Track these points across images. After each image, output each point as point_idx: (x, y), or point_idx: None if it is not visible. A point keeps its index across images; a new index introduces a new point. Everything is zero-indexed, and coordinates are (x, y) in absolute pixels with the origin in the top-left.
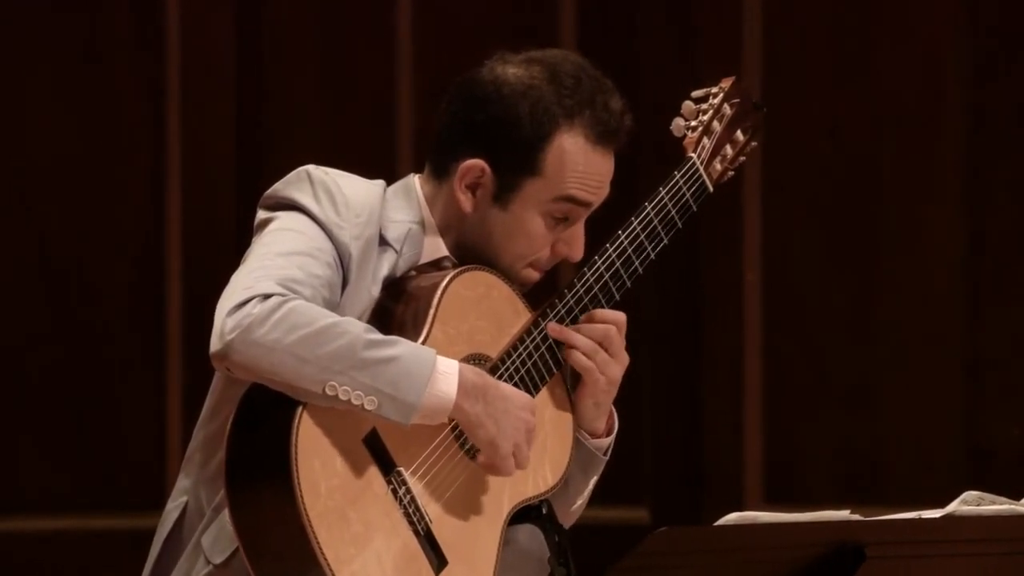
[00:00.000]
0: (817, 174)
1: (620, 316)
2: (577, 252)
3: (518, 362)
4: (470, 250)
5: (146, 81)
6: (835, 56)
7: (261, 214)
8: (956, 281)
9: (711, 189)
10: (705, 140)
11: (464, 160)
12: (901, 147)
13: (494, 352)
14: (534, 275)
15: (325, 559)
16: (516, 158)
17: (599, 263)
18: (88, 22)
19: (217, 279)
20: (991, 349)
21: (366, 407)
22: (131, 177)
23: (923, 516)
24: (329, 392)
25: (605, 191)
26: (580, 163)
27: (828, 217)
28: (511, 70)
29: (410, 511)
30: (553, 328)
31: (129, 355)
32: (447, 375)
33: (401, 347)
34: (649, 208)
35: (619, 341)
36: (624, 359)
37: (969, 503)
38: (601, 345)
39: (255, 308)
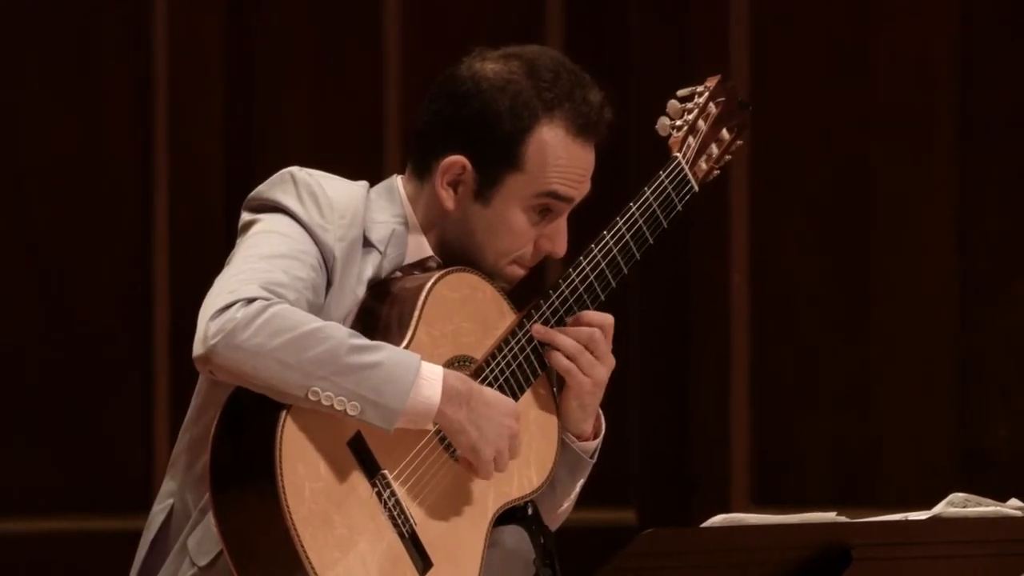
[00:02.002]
0: (807, 174)
1: (608, 318)
2: (560, 248)
3: (503, 363)
4: (454, 248)
5: (135, 81)
6: (826, 56)
7: (245, 216)
8: (947, 282)
9: (696, 188)
10: (690, 139)
11: (445, 157)
12: (892, 147)
13: (479, 353)
14: (519, 272)
15: (309, 562)
16: (496, 153)
17: (584, 263)
18: (78, 22)
19: (205, 280)
20: (982, 350)
21: (349, 412)
22: (120, 177)
23: (909, 518)
24: (312, 397)
25: (587, 184)
26: (561, 156)
27: (818, 218)
28: (489, 66)
29: (395, 513)
30: (538, 330)
31: (117, 355)
32: (431, 381)
33: (385, 352)
34: (634, 208)
35: (604, 343)
36: (610, 361)
37: (955, 505)
38: (587, 348)
39: (238, 312)
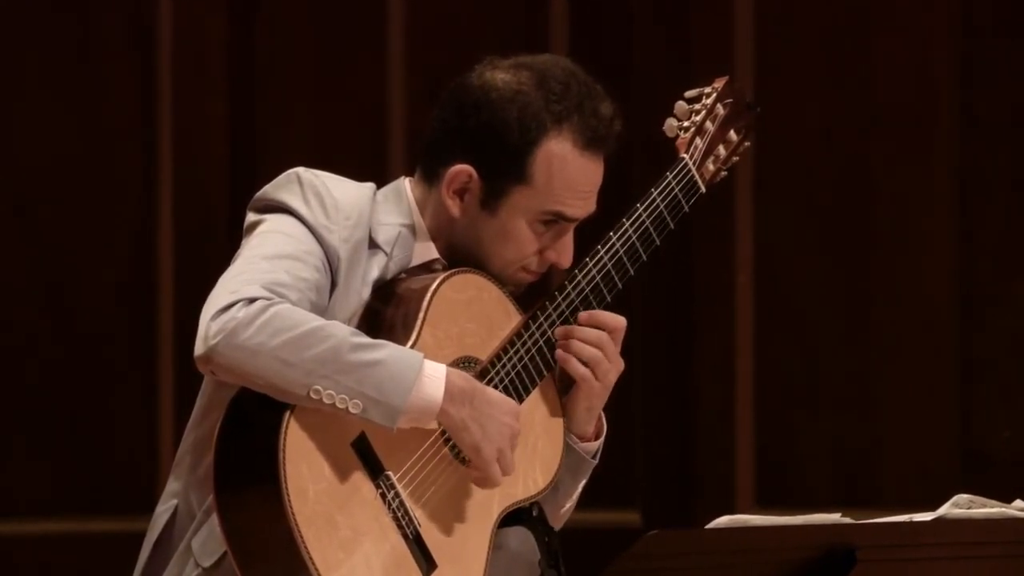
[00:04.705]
0: (810, 175)
1: (621, 321)
2: (566, 260)
3: (508, 365)
4: (461, 254)
5: (139, 82)
6: (828, 57)
7: (250, 216)
8: (949, 282)
9: (703, 189)
10: (698, 140)
11: (452, 165)
12: (894, 148)
13: (484, 355)
14: (527, 277)
15: (313, 563)
16: (504, 164)
17: (591, 265)
18: (81, 22)
19: (210, 281)
20: (984, 351)
21: (351, 410)
22: (124, 178)
23: (914, 519)
24: (314, 396)
25: (593, 199)
26: (568, 170)
27: (821, 219)
28: (500, 75)
29: (399, 515)
30: (560, 332)
31: (121, 357)
32: (434, 379)
33: (386, 351)
34: (641, 209)
35: (613, 347)
36: (619, 364)
37: (960, 506)
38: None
39: (239, 312)
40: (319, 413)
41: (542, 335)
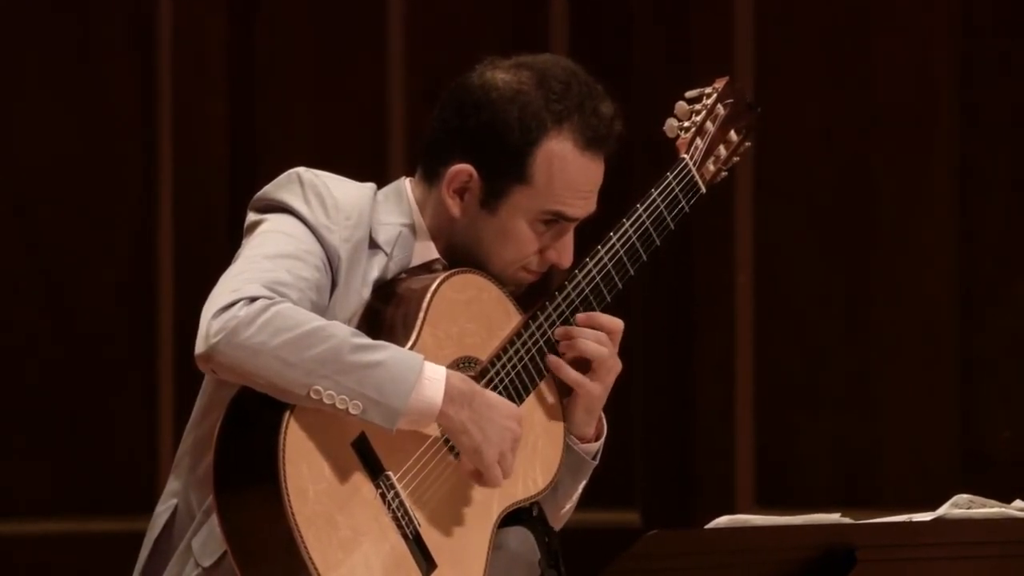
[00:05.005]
0: (810, 175)
1: (618, 323)
2: (566, 260)
3: (508, 365)
4: (461, 254)
5: (139, 82)
6: (828, 57)
7: (251, 216)
8: (949, 282)
9: (704, 190)
10: (698, 140)
11: (453, 165)
12: (894, 148)
13: (484, 355)
14: (527, 277)
15: (313, 563)
16: (504, 164)
17: (590, 265)
18: (81, 22)
19: (210, 281)
20: (984, 350)
21: (351, 411)
22: (124, 178)
23: (913, 519)
24: (314, 396)
25: (594, 199)
26: (569, 170)
27: (821, 218)
28: (500, 75)
29: (399, 515)
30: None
31: (121, 357)
32: (434, 381)
33: (387, 352)
34: (641, 209)
35: (612, 347)
36: (618, 365)
37: (960, 506)
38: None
39: (241, 311)
40: (319, 413)
41: (542, 335)
